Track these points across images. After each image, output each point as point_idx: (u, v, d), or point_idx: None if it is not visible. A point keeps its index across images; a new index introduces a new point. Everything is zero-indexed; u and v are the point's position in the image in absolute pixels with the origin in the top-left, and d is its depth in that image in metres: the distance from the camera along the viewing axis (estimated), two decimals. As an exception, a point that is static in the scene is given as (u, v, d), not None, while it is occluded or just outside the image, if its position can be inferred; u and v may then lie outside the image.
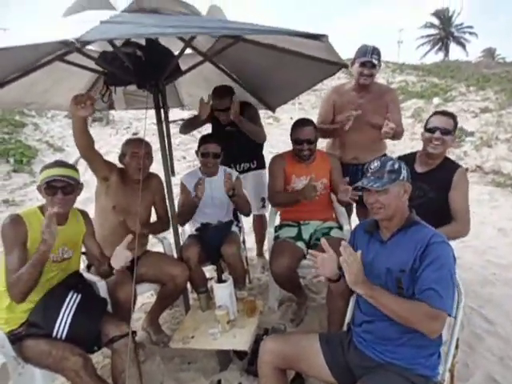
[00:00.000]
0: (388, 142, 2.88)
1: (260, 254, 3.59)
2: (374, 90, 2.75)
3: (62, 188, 1.76)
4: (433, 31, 39.80)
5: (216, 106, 2.77)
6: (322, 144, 4.10)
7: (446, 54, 38.51)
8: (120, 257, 1.83)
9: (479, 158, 7.28)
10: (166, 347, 2.26)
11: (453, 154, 7.86)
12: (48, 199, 1.78)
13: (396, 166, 1.50)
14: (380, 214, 1.50)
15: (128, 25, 1.52)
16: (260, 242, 3.54)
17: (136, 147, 2.27)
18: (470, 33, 38.66)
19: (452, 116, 2.19)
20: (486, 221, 4.50)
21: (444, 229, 2.05)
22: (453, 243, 2.16)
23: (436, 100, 11.87)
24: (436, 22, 39.17)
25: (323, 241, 1.53)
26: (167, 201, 2.42)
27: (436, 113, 2.22)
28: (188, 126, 3.09)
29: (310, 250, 1.56)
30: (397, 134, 2.66)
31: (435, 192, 2.08)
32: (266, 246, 3.70)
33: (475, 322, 2.54)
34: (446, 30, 38.80)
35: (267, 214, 3.40)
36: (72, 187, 1.80)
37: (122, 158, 2.35)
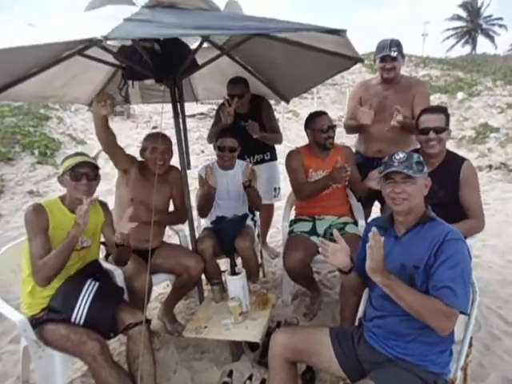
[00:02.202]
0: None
1: (264, 242, 3.56)
2: (402, 83, 2.69)
3: (86, 174, 1.86)
4: (460, 23, 38.55)
5: (230, 92, 2.84)
6: (340, 138, 4.08)
7: (473, 47, 37.27)
8: (122, 225, 1.90)
9: (504, 155, 7.04)
10: (180, 336, 2.31)
11: (477, 150, 7.64)
12: (72, 185, 1.85)
13: (421, 159, 1.51)
14: (403, 205, 1.47)
15: (150, 24, 1.55)
16: (265, 231, 3.54)
17: (156, 142, 2.31)
18: (500, 25, 37.23)
19: (441, 110, 2.12)
20: (508, 220, 4.36)
21: (460, 225, 2.00)
22: (472, 242, 2.13)
23: (460, 95, 11.55)
24: (463, 14, 37.89)
25: (335, 232, 1.55)
26: (184, 193, 2.46)
27: (424, 111, 2.14)
28: (214, 134, 3.08)
29: (320, 238, 1.58)
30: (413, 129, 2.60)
31: (444, 191, 2.02)
32: (270, 237, 3.74)
33: (492, 322, 2.48)
34: (473, 22, 37.47)
35: (276, 204, 3.46)
36: (95, 173, 1.90)
37: (142, 152, 2.40)
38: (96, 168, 1.91)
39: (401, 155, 1.50)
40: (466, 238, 2.02)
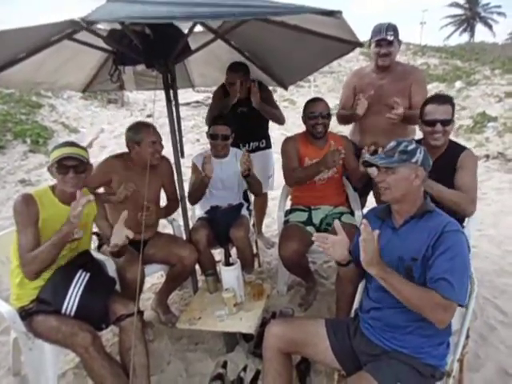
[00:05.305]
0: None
1: (259, 232, 3.52)
2: (397, 71, 2.60)
3: (74, 167, 1.77)
4: (458, 11, 38.23)
5: (228, 80, 2.79)
6: (338, 128, 4.02)
7: (472, 35, 37.04)
8: (118, 234, 1.80)
9: (501, 145, 7.00)
10: (173, 327, 2.28)
11: (474, 139, 7.61)
12: (59, 178, 1.79)
13: (410, 147, 1.44)
14: (386, 195, 1.46)
15: (135, 4, 1.48)
16: (260, 220, 3.51)
17: (153, 135, 2.23)
18: (498, 13, 37.00)
19: (448, 100, 2.03)
20: (505, 209, 4.33)
21: (450, 192, 1.93)
22: (469, 232, 2.10)
23: (458, 83, 11.48)
24: (462, 1, 37.52)
25: (336, 223, 1.50)
26: (176, 183, 2.41)
27: (432, 101, 2.03)
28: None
29: (315, 234, 1.51)
30: (415, 119, 2.55)
31: (443, 180, 1.95)
32: (266, 227, 3.70)
33: (489, 312, 2.47)
34: (472, 10, 37.17)
35: (270, 192, 3.42)
36: (83, 166, 1.81)
37: (133, 145, 2.26)
38: (85, 159, 1.81)
39: (391, 144, 1.48)
40: (460, 220, 1.98)
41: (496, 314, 2.45)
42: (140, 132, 2.25)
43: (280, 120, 3.07)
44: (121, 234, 1.79)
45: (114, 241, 1.80)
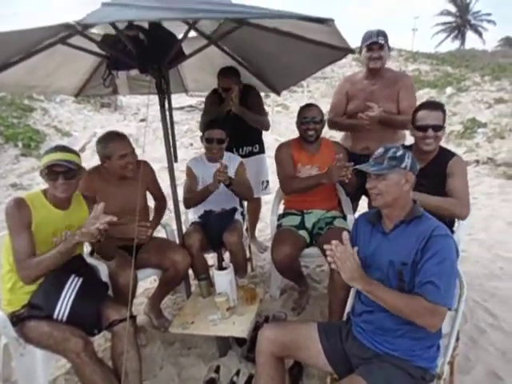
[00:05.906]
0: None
1: (252, 236, 3.52)
2: (388, 77, 2.65)
3: (63, 173, 1.75)
4: (449, 19, 38.83)
5: (220, 85, 2.81)
6: (330, 133, 4.05)
7: (462, 42, 37.64)
8: (96, 222, 1.65)
9: (491, 150, 7.11)
10: (166, 332, 2.27)
11: (464, 145, 7.72)
12: (50, 184, 1.78)
13: (398, 153, 1.46)
14: (377, 200, 1.48)
15: (130, 8, 1.48)
16: (253, 225, 3.51)
17: (122, 149, 2.19)
18: (488, 21, 37.67)
19: (440, 107, 2.08)
20: (495, 214, 4.40)
21: (440, 199, 1.97)
22: (459, 236, 2.13)
23: (449, 90, 11.65)
24: (453, 9, 38.16)
25: (345, 235, 1.41)
26: (170, 187, 2.41)
27: (423, 107, 2.08)
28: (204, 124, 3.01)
29: (325, 246, 1.41)
30: (404, 124, 2.59)
31: (433, 186, 1.99)
32: (259, 231, 3.70)
33: (479, 315, 2.50)
34: (462, 18, 37.79)
35: (263, 197, 3.41)
36: (73, 172, 1.78)
37: (103, 159, 2.23)
38: (76, 165, 1.78)
39: (379, 150, 1.50)
40: (449, 224, 2.02)
41: (486, 317, 2.48)
42: (108, 146, 2.20)
43: (263, 126, 3.08)
44: (98, 220, 1.63)
45: (89, 227, 1.64)
